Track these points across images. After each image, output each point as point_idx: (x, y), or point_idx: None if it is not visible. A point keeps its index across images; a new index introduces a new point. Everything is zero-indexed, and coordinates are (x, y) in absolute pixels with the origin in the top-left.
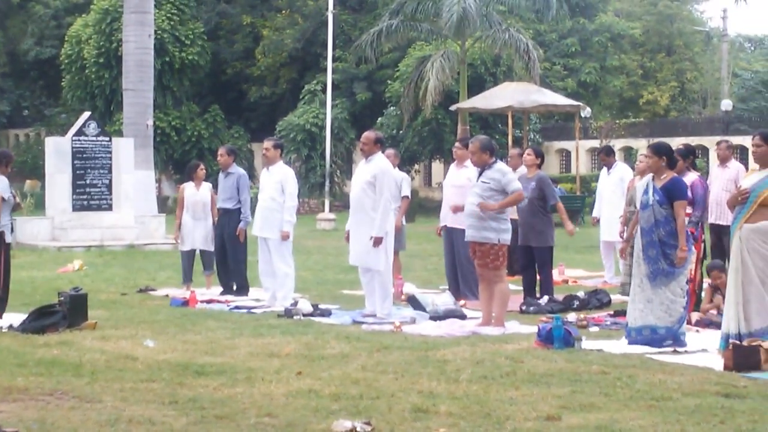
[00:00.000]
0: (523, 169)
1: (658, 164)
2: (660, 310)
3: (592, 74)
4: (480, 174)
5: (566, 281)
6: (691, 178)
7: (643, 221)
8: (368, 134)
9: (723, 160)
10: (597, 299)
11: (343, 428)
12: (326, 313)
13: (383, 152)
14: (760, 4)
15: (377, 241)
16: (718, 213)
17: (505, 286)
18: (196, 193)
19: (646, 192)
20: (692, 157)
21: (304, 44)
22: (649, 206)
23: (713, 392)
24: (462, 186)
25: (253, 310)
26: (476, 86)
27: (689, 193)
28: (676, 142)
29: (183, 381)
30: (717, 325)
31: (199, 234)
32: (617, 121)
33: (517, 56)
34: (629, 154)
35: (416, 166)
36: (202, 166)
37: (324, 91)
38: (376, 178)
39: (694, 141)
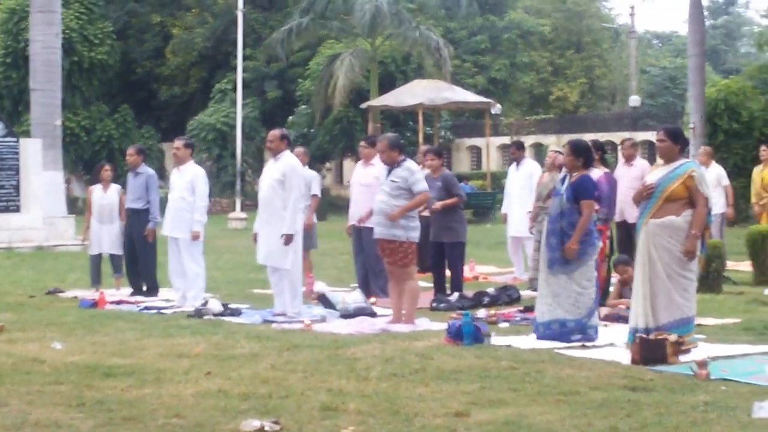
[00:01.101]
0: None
1: (574, 163)
2: (568, 303)
3: (502, 71)
4: (389, 172)
5: (477, 278)
6: (596, 174)
7: (552, 208)
8: (274, 132)
9: (628, 159)
10: (507, 295)
11: (251, 428)
12: (236, 313)
13: (291, 150)
14: (667, 1)
15: (288, 240)
16: (626, 211)
17: (414, 283)
18: (103, 196)
19: (562, 182)
20: (600, 152)
21: (215, 43)
22: (559, 194)
23: (620, 386)
24: (369, 185)
25: (163, 311)
26: (387, 84)
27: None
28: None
29: (91, 383)
30: (625, 320)
31: (106, 238)
32: (527, 118)
33: (427, 54)
34: (539, 150)
35: (327, 165)
36: (107, 167)
37: (234, 89)
38: (286, 176)
39: (603, 136)
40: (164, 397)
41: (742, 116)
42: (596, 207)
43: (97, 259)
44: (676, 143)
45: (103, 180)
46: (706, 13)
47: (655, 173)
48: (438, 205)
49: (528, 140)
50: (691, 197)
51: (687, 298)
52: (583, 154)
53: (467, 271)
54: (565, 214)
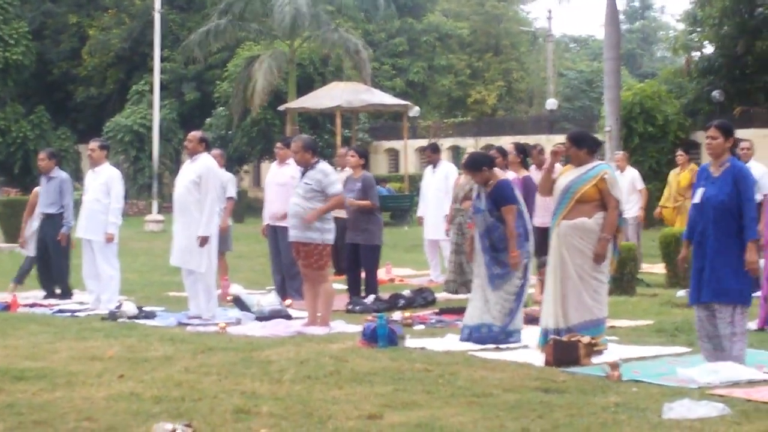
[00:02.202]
0: (350, 169)
1: (483, 176)
2: (496, 310)
3: (420, 74)
4: (303, 174)
5: (393, 280)
6: (511, 176)
7: (478, 226)
8: (194, 133)
9: (539, 165)
10: (422, 298)
11: (163, 431)
12: (151, 316)
13: (209, 152)
14: (584, 5)
15: (203, 241)
16: (543, 215)
17: (329, 285)
18: None
19: (478, 197)
20: (522, 155)
21: (132, 44)
22: (480, 212)
23: (533, 387)
24: (284, 184)
25: (76, 314)
26: (305, 86)
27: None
28: (503, 141)
29: (1, 387)
30: (539, 322)
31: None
32: (445, 121)
33: (346, 56)
34: (457, 153)
35: (245, 167)
36: None
37: (152, 91)
38: (201, 178)
39: (520, 139)
40: (76, 400)
41: (658, 120)
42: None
43: (32, 261)
44: (580, 148)
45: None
46: (622, 17)
47: (566, 175)
48: (353, 202)
49: (446, 143)
50: (603, 200)
51: (598, 299)
52: (485, 165)
53: (383, 274)
54: (491, 229)
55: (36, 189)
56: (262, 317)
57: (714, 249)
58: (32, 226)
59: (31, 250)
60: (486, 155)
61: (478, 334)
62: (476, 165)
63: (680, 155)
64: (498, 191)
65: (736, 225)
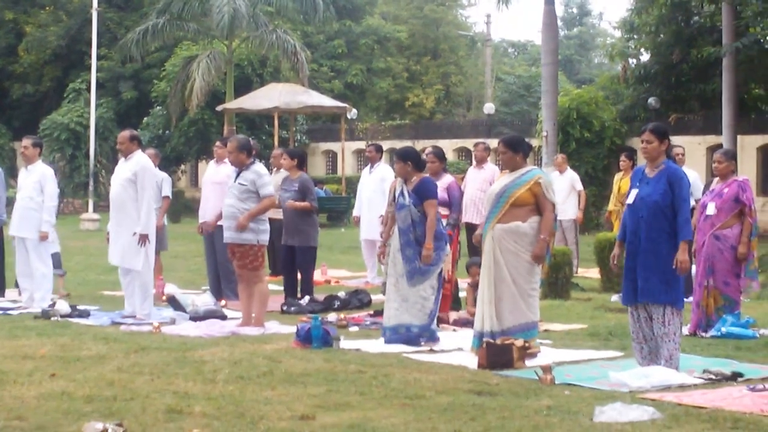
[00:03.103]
0: (285, 171)
1: (405, 169)
2: (415, 309)
3: (358, 76)
4: (237, 175)
5: (329, 281)
6: (447, 180)
7: (400, 221)
8: (123, 133)
9: (480, 161)
10: (358, 299)
11: (93, 430)
12: (84, 314)
13: (143, 150)
14: (522, 10)
15: (142, 238)
16: (473, 212)
17: (264, 286)
18: None
19: (401, 194)
20: (444, 161)
21: (69, 42)
22: (405, 207)
23: (466, 390)
24: (221, 182)
25: (9, 312)
26: (243, 87)
27: (446, 195)
28: (440, 144)
29: None
30: (473, 324)
31: None
32: (383, 123)
33: (284, 57)
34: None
35: (182, 167)
36: None
37: (89, 89)
38: (137, 176)
39: (458, 143)
40: (6, 399)
41: (594, 126)
42: (446, 212)
43: None
44: (516, 152)
45: None
46: (560, 23)
47: (502, 179)
48: (292, 204)
49: (383, 145)
50: (537, 203)
51: (531, 303)
52: (410, 159)
53: (319, 275)
54: (416, 223)
55: None
56: (197, 317)
57: (646, 249)
58: None
59: None
60: (419, 155)
61: (396, 336)
62: (405, 156)
63: (623, 161)
64: (422, 186)
65: (668, 225)
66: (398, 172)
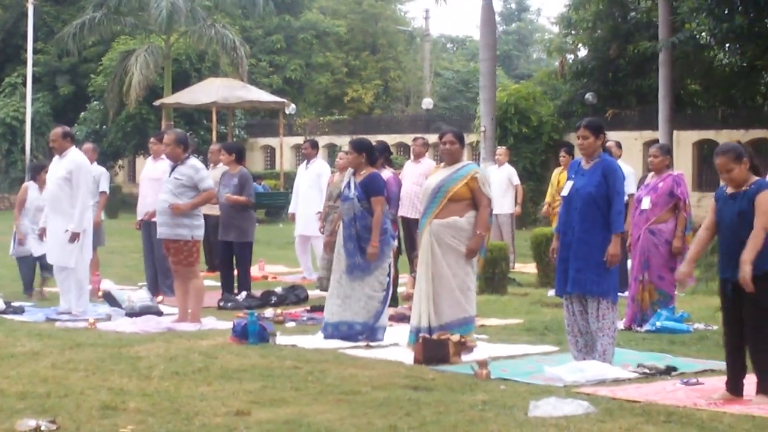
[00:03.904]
0: (225, 165)
1: (359, 160)
2: (358, 306)
3: (297, 71)
4: (173, 169)
5: (266, 277)
6: (386, 175)
7: (344, 214)
8: (56, 131)
9: (417, 156)
10: (295, 295)
11: (26, 427)
12: (19, 311)
13: (77, 146)
14: (461, 6)
15: (74, 237)
16: (409, 206)
17: (199, 282)
18: None
19: (348, 186)
20: (387, 154)
21: (4, 36)
22: (349, 200)
23: (402, 385)
24: (158, 179)
25: None
26: (181, 82)
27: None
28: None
29: None
30: (410, 320)
31: None
32: (321, 118)
33: (223, 52)
34: (333, 151)
35: (120, 162)
36: None
37: (25, 83)
38: (72, 173)
39: (396, 138)
40: None
41: (532, 121)
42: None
43: None
44: (463, 146)
45: None
46: (499, 18)
47: (437, 174)
48: (231, 198)
49: (322, 141)
50: (473, 199)
51: (469, 297)
52: (366, 150)
53: (256, 271)
54: (358, 217)
55: None
56: (133, 313)
57: (579, 240)
58: None
59: None
60: (374, 148)
61: (338, 332)
62: (360, 147)
63: (563, 156)
64: (370, 181)
65: (602, 217)
66: (350, 162)
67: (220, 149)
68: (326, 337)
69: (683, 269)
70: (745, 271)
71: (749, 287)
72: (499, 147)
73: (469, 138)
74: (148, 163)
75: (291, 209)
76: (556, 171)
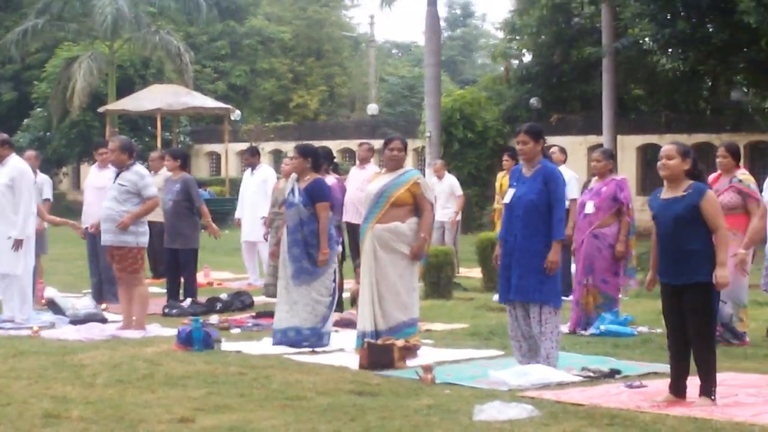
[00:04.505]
0: (167, 172)
1: (303, 165)
2: (305, 312)
3: (242, 77)
4: (117, 176)
5: (211, 283)
6: (329, 180)
7: (289, 220)
8: None
9: (363, 161)
10: (240, 301)
11: None
12: None
13: (17, 153)
14: (406, 11)
15: (17, 243)
16: (353, 212)
17: (144, 289)
18: None
19: (292, 192)
20: (331, 159)
21: None
22: (294, 206)
23: (347, 390)
24: (104, 187)
25: None
26: (125, 88)
27: None
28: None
29: None
30: (356, 325)
31: None
32: (267, 125)
33: (168, 58)
34: (278, 157)
35: (64, 169)
36: None
37: None
38: (14, 181)
39: (342, 144)
40: None
41: (477, 126)
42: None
43: None
44: (406, 153)
45: None
46: (444, 24)
47: (379, 180)
48: (210, 226)
49: (267, 147)
50: (416, 204)
51: (413, 301)
52: (311, 155)
53: (202, 277)
54: (305, 222)
55: None
56: (77, 321)
57: (521, 248)
58: None
59: None
60: (318, 154)
61: (286, 338)
62: (305, 152)
63: (506, 160)
64: (315, 186)
65: (543, 224)
66: (295, 167)
67: (161, 156)
68: (275, 343)
69: (649, 278)
70: (720, 274)
71: (725, 287)
72: (435, 161)
73: (415, 143)
74: (93, 171)
75: (237, 215)
76: (500, 175)
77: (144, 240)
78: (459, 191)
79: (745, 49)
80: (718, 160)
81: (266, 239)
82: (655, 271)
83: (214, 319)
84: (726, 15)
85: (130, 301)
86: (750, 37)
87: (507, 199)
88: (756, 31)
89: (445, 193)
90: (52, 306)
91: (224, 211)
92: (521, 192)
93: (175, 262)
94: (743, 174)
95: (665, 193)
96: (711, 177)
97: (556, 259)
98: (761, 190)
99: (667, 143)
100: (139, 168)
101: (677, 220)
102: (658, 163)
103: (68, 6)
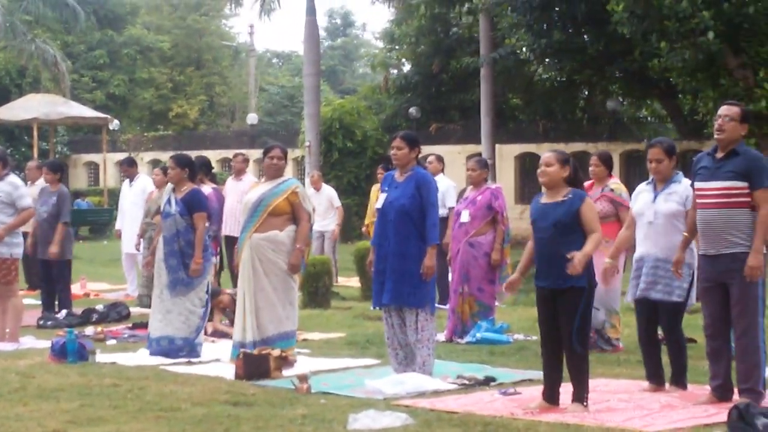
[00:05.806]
0: (44, 182)
1: (180, 175)
2: (179, 321)
3: (121, 86)
4: None
5: (88, 294)
6: (206, 190)
7: (165, 230)
8: None
9: (238, 173)
10: (116, 312)
11: None
12: None
13: None
14: (286, 21)
15: None
16: (232, 224)
17: (18, 300)
18: None
19: (168, 202)
20: (208, 169)
21: None
22: (171, 216)
23: (222, 401)
24: None
25: None
26: (1, 97)
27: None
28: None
29: None
30: (231, 336)
31: None
32: (146, 134)
33: (44, 68)
34: (157, 167)
35: None
36: None
37: None
38: None
39: (222, 153)
40: None
41: (357, 135)
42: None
43: None
44: (286, 162)
45: None
46: (324, 34)
47: (258, 188)
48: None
49: (146, 156)
50: (294, 213)
51: (290, 311)
52: (187, 165)
53: (78, 288)
54: (181, 233)
55: None
56: None
57: (394, 252)
58: None
59: None
60: (194, 163)
61: (159, 347)
62: (181, 162)
63: (380, 172)
64: (192, 197)
65: (416, 230)
66: (172, 177)
67: (38, 166)
68: (151, 353)
69: (512, 278)
70: (578, 259)
71: (577, 271)
72: (312, 173)
73: (294, 153)
74: None
75: (117, 226)
76: (374, 188)
77: (18, 251)
78: (337, 202)
79: (619, 60)
80: (591, 169)
81: (138, 249)
82: (521, 274)
83: (89, 330)
84: (601, 26)
85: (4, 312)
86: (624, 47)
87: (379, 203)
88: (630, 41)
89: (323, 205)
90: None
91: (102, 221)
92: (393, 197)
93: (49, 273)
94: (615, 183)
95: (545, 199)
96: (585, 185)
97: (432, 263)
98: None
99: (546, 151)
100: (13, 178)
101: (557, 225)
102: (538, 170)
103: None
